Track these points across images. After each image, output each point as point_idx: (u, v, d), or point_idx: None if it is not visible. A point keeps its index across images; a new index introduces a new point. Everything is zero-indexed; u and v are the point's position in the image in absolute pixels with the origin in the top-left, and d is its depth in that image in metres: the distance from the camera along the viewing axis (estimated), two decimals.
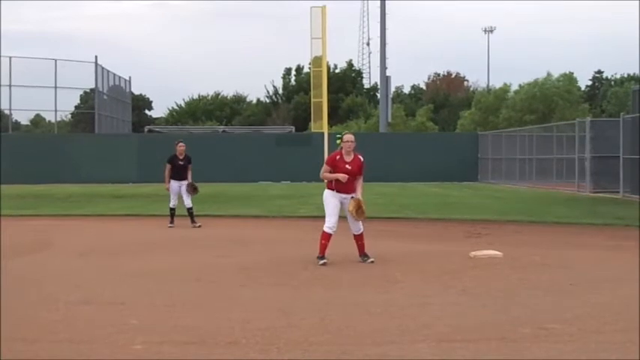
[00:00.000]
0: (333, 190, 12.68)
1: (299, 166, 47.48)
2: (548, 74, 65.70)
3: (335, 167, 12.64)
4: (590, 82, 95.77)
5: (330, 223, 12.54)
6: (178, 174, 19.30)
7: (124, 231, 18.57)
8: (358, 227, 12.76)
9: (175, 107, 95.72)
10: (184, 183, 19.29)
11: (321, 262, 12.35)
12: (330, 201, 12.67)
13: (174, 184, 19.30)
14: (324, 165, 12.82)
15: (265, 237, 16.80)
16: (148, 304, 9.13)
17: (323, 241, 12.57)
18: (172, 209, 19.36)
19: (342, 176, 12.51)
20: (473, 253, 13.21)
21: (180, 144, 19.55)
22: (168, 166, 19.32)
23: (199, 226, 18.83)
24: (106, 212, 23.87)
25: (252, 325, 7.87)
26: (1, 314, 8.34)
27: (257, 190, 36.30)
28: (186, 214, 19.19)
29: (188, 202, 19.22)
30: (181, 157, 19.32)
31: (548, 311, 8.59)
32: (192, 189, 19.32)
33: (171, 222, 19.24)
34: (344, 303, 9.12)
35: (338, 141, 12.97)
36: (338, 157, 12.73)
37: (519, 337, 7.40)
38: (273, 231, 18.32)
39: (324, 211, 12.83)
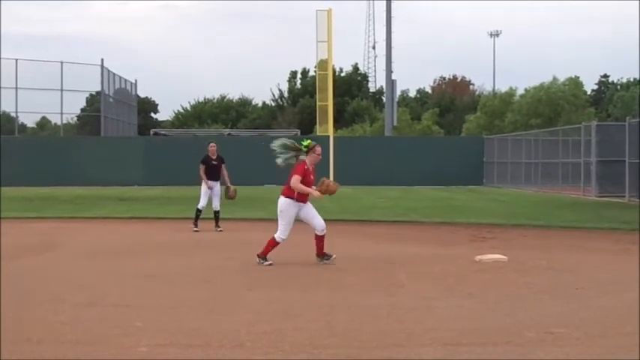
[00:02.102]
0: (294, 199, 12.76)
1: None
2: (554, 78, 65.80)
3: (306, 177, 12.75)
4: (596, 86, 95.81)
5: (285, 234, 12.87)
6: (212, 174, 19.18)
7: (130, 233, 18.58)
8: (322, 227, 12.93)
9: (181, 110, 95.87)
10: (216, 184, 19.20)
11: (267, 263, 12.69)
12: (291, 211, 12.84)
13: (205, 186, 19.17)
14: (297, 175, 12.71)
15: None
16: (153, 306, 9.13)
17: (271, 248, 12.85)
18: (200, 211, 19.11)
19: (319, 195, 12.77)
20: (478, 257, 13.19)
21: (212, 144, 19.50)
22: (202, 167, 19.19)
23: (221, 231, 18.75)
24: (112, 215, 23.88)
25: (257, 327, 7.87)
26: (7, 315, 8.35)
27: (262, 193, 36.31)
28: (207, 216, 19.18)
29: (217, 204, 19.18)
30: (214, 157, 19.23)
31: (554, 315, 8.58)
32: (230, 193, 19.28)
33: (196, 225, 19.00)
34: (350, 306, 9.12)
35: (304, 148, 12.93)
36: (306, 167, 12.81)
37: (525, 340, 7.39)
38: None
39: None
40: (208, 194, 19.13)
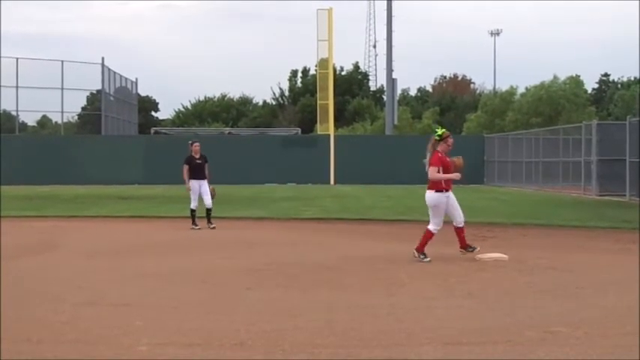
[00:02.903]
0: (442, 191, 12.96)
1: (305, 169, 47.52)
2: (555, 77, 65.76)
3: (444, 165, 12.96)
4: (596, 85, 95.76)
5: (440, 225, 13.05)
6: (197, 173, 19.31)
7: (130, 232, 18.57)
8: (461, 219, 13.23)
9: (182, 109, 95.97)
10: (204, 182, 19.35)
11: (427, 259, 12.83)
12: (442, 203, 12.98)
13: (194, 184, 19.28)
14: (433, 166, 12.88)
15: (270, 239, 16.79)
16: (153, 306, 9.13)
17: (427, 241, 12.99)
18: (193, 210, 19.24)
19: (457, 176, 13.01)
20: (479, 256, 13.18)
21: (196, 144, 19.59)
22: (185, 167, 19.35)
23: (214, 228, 18.87)
24: (112, 214, 23.87)
25: (257, 327, 7.87)
26: (7, 315, 8.36)
27: (262, 192, 36.29)
28: (204, 214, 19.27)
29: (208, 202, 19.26)
30: (197, 157, 19.36)
31: (555, 314, 8.57)
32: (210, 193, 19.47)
33: (194, 223, 19.08)
34: (349, 305, 9.11)
35: (437, 137, 13.09)
36: (440, 155, 12.98)
37: (525, 340, 7.38)
38: (278, 233, 18.31)
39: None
40: (197, 193, 19.30)
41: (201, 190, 19.27)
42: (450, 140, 13.21)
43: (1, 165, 44.87)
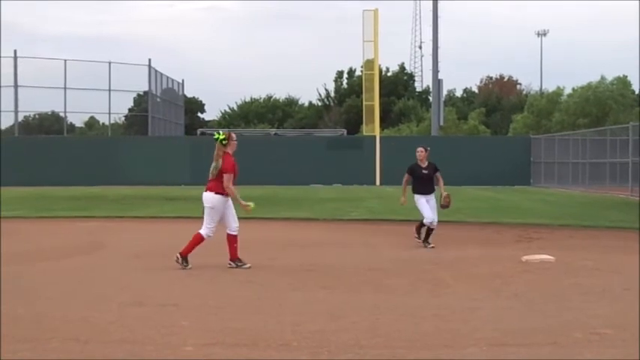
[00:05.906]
0: (222, 194, 12.30)
1: (350, 169, 47.51)
2: (602, 77, 65.04)
3: (235, 171, 12.27)
4: None
5: (213, 232, 12.55)
6: (423, 186, 15.36)
7: (176, 233, 18.66)
8: (236, 225, 12.55)
9: (228, 110, 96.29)
10: (431, 197, 15.43)
11: (189, 266, 12.23)
12: (221, 206, 12.43)
13: (420, 199, 15.43)
14: (228, 174, 12.17)
15: (316, 240, 16.81)
16: (199, 306, 9.19)
17: (195, 246, 12.41)
18: (423, 224, 15.49)
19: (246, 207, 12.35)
20: (525, 258, 13.12)
21: (420, 149, 15.52)
22: (406, 177, 15.56)
23: (432, 247, 15.13)
24: (159, 214, 24.02)
25: (303, 327, 7.90)
26: (55, 315, 8.48)
27: (308, 193, 36.32)
28: None
29: (434, 218, 15.39)
30: (424, 165, 15.42)
31: (601, 316, 8.51)
32: (442, 201, 15.61)
33: (419, 235, 15.55)
34: (394, 307, 9.11)
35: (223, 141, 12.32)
36: (233, 160, 12.37)
37: (571, 341, 7.34)
38: (323, 234, 18.32)
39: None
40: (427, 206, 15.33)
41: (429, 205, 15.41)
42: (234, 135, 12.43)
43: (49, 166, 45.80)
